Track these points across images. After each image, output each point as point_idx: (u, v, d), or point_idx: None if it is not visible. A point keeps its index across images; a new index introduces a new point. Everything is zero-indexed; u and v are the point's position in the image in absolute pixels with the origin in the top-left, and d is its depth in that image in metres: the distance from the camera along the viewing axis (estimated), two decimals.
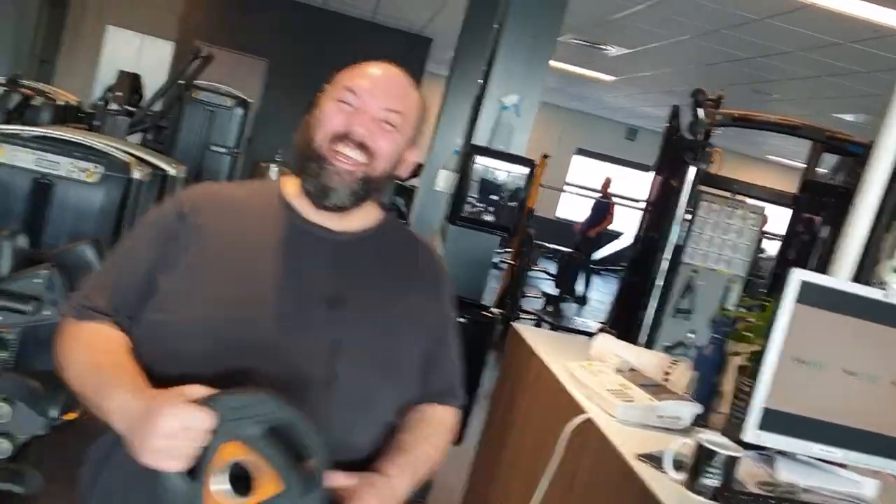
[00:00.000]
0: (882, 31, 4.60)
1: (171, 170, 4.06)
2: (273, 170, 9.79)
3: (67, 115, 6.90)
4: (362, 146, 1.15)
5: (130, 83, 7.00)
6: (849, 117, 7.72)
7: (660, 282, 4.23)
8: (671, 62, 7.31)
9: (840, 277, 1.79)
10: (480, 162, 3.25)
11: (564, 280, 8.95)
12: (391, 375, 1.17)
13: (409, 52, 10.26)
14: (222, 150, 7.38)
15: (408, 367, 1.19)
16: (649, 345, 4.10)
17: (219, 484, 0.94)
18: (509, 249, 7.46)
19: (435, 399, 1.25)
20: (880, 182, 1.87)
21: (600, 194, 10.82)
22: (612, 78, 9.10)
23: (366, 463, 1.10)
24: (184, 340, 1.08)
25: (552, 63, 8.64)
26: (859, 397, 1.41)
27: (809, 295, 1.36)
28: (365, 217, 1.23)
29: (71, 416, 2.77)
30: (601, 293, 10.32)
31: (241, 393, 0.96)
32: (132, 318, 1.13)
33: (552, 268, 9.89)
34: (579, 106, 13.47)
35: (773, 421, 1.39)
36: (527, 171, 3.28)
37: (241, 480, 0.95)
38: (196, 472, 0.93)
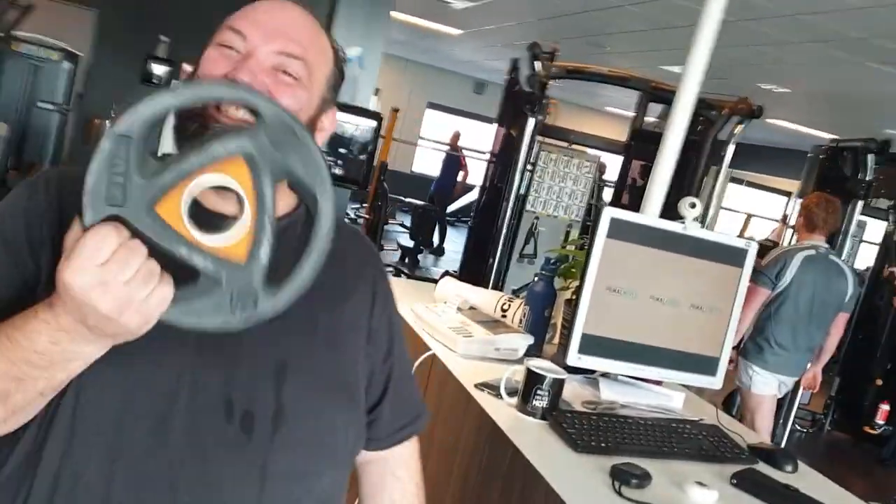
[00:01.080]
0: None
1: None
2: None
3: None
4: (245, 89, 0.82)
5: None
6: (675, 69, 8.24)
7: (505, 229, 4.42)
8: (513, 16, 7.49)
9: (649, 214, 1.96)
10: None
11: (420, 232, 9.12)
12: (350, 397, 0.96)
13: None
14: (50, 106, 6.90)
15: (357, 389, 0.97)
16: (498, 289, 4.29)
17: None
18: (365, 204, 7.48)
19: (405, 435, 1.10)
20: (682, 125, 2.05)
21: (449, 148, 10.99)
22: (459, 31, 9.21)
23: None
24: (89, 384, 0.78)
25: (398, 16, 8.59)
26: (664, 320, 1.58)
27: (619, 230, 1.50)
28: (281, 198, 0.84)
29: None
30: (457, 244, 10.57)
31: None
32: None
33: (409, 221, 10.02)
34: (429, 60, 13.53)
35: (592, 345, 1.53)
36: (374, 124, 3.31)
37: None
38: None
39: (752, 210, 11.58)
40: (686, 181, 5.00)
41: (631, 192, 5.34)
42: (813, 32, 5.48)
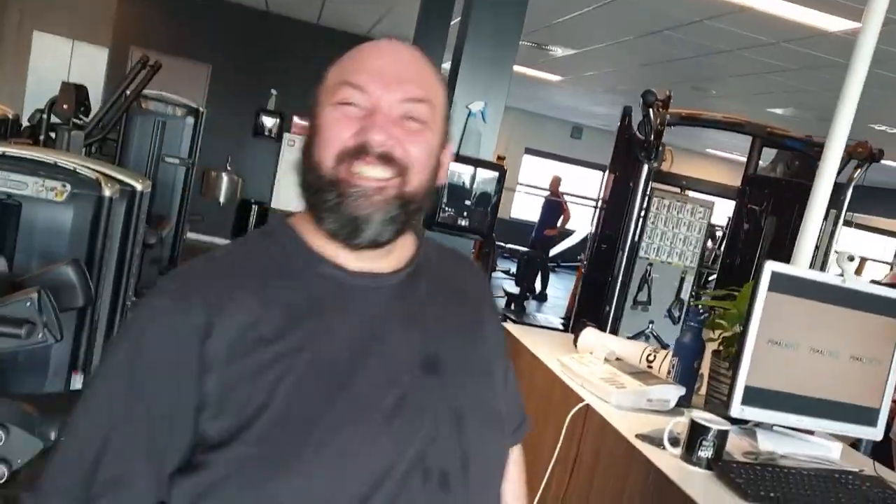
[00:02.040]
0: (809, 32, 4.90)
1: (137, 185, 4.08)
2: (224, 178, 9.77)
3: (6, 129, 6.77)
4: (386, 158, 0.85)
5: (76, 94, 6.90)
6: (779, 111, 8.10)
7: (621, 277, 4.43)
8: (614, 62, 7.56)
9: (801, 266, 1.98)
10: (453, 168, 3.38)
11: (524, 278, 9.17)
12: (503, 429, 0.98)
13: None
14: (175, 160, 7.32)
15: (505, 413, 0.99)
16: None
17: None
18: (473, 251, 7.61)
19: (515, 440, 1.11)
20: (830, 180, 2.06)
21: (549, 193, 11.03)
22: (559, 78, 9.34)
23: None
24: (283, 492, 0.79)
25: None
26: (825, 372, 1.59)
27: (779, 283, 1.53)
28: (404, 246, 0.95)
29: None
30: (556, 289, 10.57)
31: None
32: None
33: (510, 267, 10.08)
34: (527, 106, 13.71)
35: (754, 396, 1.56)
36: (496, 174, 3.43)
37: None
38: None
39: (863, 253, 11.14)
40: (802, 227, 4.91)
41: (743, 239, 5.27)
42: None
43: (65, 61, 10.59)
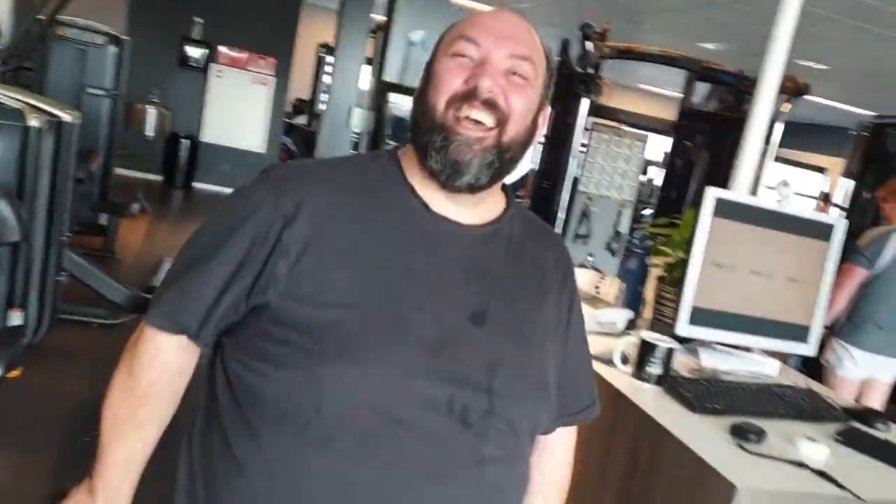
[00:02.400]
0: None
1: (66, 116, 3.92)
2: (150, 111, 9.43)
3: None
4: (492, 105, 0.93)
5: None
6: (710, 46, 8.24)
7: (561, 212, 4.52)
8: None
9: (740, 193, 2.07)
10: (394, 100, 3.37)
11: None
12: (547, 394, 1.04)
13: None
14: (100, 92, 7.03)
15: (551, 383, 1.05)
16: None
17: None
18: None
19: (572, 420, 1.15)
20: (766, 112, 2.14)
21: None
22: (493, 8, 9.26)
23: (523, 486, 1.04)
24: (315, 375, 0.90)
25: None
26: (763, 292, 1.70)
27: (722, 208, 1.61)
28: (494, 202, 1.04)
29: (13, 373, 2.76)
30: None
31: None
32: (229, 330, 0.98)
33: None
34: None
35: (700, 316, 1.66)
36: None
37: None
38: None
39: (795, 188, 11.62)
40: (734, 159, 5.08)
41: (679, 171, 5.43)
42: (851, 8, 5.50)
43: None
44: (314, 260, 0.92)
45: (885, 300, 3.42)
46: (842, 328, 3.50)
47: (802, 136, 13.18)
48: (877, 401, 3.50)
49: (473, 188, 0.96)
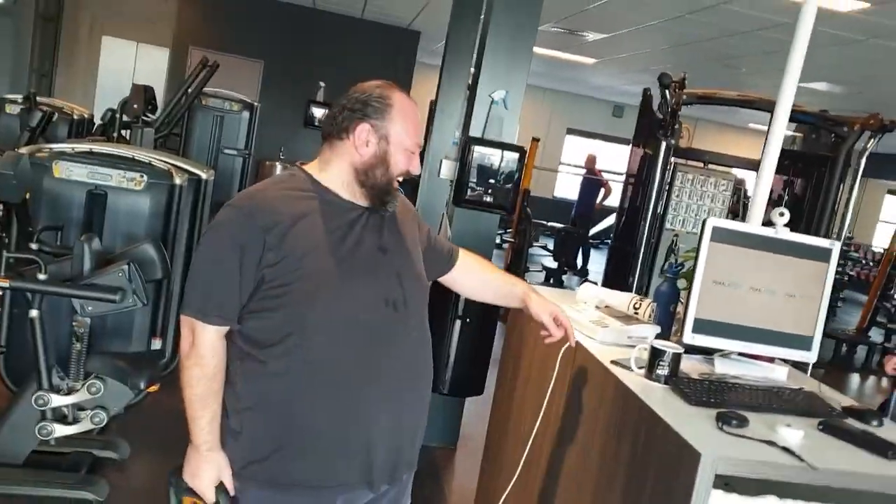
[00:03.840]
0: (821, 12, 5.10)
1: (203, 174, 4.57)
2: (277, 166, 10.31)
3: (82, 128, 7.38)
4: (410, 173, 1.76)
5: (144, 94, 7.47)
6: (815, 85, 8.24)
7: (644, 247, 4.76)
8: (645, 44, 7.82)
9: (754, 222, 2.33)
10: (477, 151, 3.78)
11: (563, 254, 9.50)
12: (423, 279, 1.84)
13: (399, 45, 10.77)
14: (233, 152, 7.86)
15: (423, 267, 1.85)
16: None
17: None
18: (510, 230, 8.00)
19: (455, 256, 2.04)
20: (778, 142, 2.40)
21: (586, 171, 11.22)
22: (593, 60, 9.61)
23: (430, 338, 1.81)
24: (309, 309, 1.59)
25: (537, 50, 9.15)
26: (763, 306, 1.95)
27: (721, 235, 1.90)
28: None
29: (153, 388, 3.30)
30: (600, 265, 10.86)
31: None
32: (244, 308, 1.61)
33: (552, 244, 10.40)
34: (566, 87, 13.97)
35: (703, 326, 1.93)
36: (517, 155, 3.81)
37: None
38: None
39: None
40: (822, 195, 5.18)
41: (774, 205, 5.53)
42: None
43: (130, 63, 11.31)
44: (288, 245, 1.58)
45: None
46: None
47: None
48: None
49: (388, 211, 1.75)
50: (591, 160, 11.00)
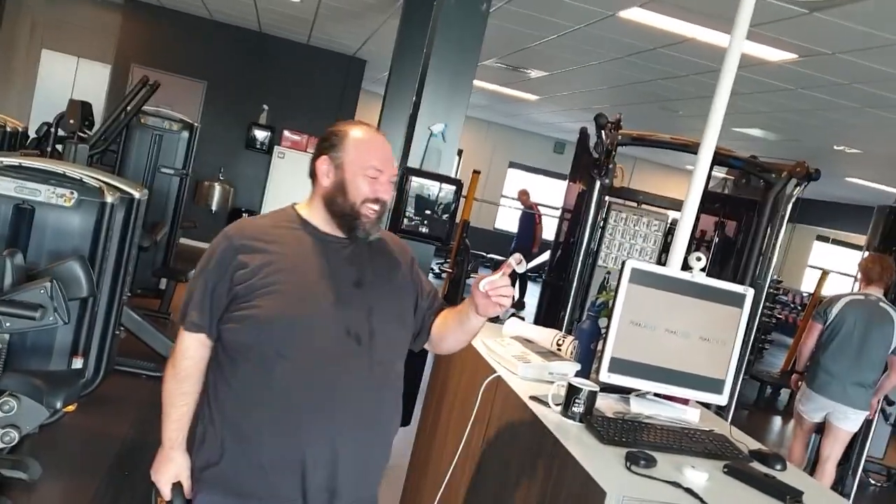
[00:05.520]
0: (750, 61, 5.34)
1: (136, 193, 4.49)
2: (216, 188, 10.19)
3: (15, 141, 7.18)
4: (382, 202, 1.79)
5: (82, 110, 7.31)
6: (750, 131, 8.57)
7: (576, 283, 4.84)
8: (586, 83, 8.02)
9: (674, 265, 2.41)
10: (415, 181, 3.81)
11: None
12: (405, 325, 1.88)
13: (345, 72, 10.78)
14: (171, 171, 7.73)
15: (410, 317, 1.90)
16: None
17: None
18: (448, 259, 8.04)
19: (435, 309, 1.99)
20: (699, 186, 2.49)
21: (522, 206, 11.38)
22: (536, 97, 9.80)
23: (399, 383, 1.85)
24: (267, 326, 1.69)
25: (479, 83, 9.26)
26: (678, 348, 2.01)
27: (639, 277, 1.96)
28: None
29: (70, 408, 3.21)
30: (533, 296, 10.99)
31: None
32: (220, 320, 1.74)
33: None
34: (510, 122, 14.18)
35: (619, 366, 1.98)
36: (454, 187, 3.85)
37: None
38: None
39: (835, 266, 11.66)
40: (751, 239, 5.35)
41: (699, 247, 5.70)
42: (874, 101, 5.79)
43: (69, 78, 11.08)
44: (255, 266, 1.71)
45: (833, 350, 4.41)
46: (807, 375, 4.54)
47: (846, 216, 13.22)
48: (834, 449, 4.33)
49: (365, 239, 1.82)
50: (524, 194, 11.21)
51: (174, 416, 1.79)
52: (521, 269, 1.74)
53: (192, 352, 1.78)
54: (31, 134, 7.46)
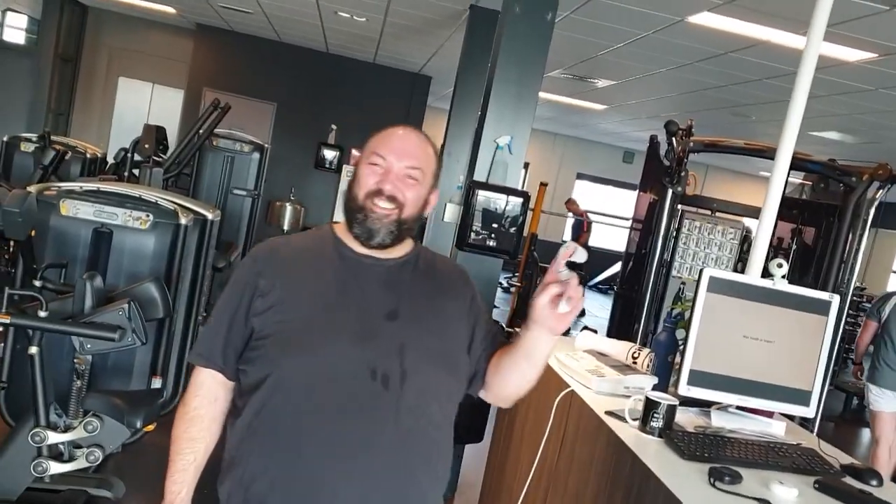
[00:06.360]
0: (826, 62, 5.14)
1: (209, 214, 4.60)
2: (287, 207, 10.38)
3: (94, 166, 7.47)
4: (392, 198, 1.48)
5: (156, 134, 7.55)
6: (826, 134, 8.26)
7: (649, 294, 4.73)
8: (654, 91, 7.87)
9: (754, 272, 2.31)
10: (481, 195, 3.78)
11: None
12: (449, 366, 1.53)
13: (410, 89, 10.89)
14: (243, 192, 7.90)
15: (461, 357, 1.55)
16: None
17: None
18: (517, 273, 7.98)
19: (495, 346, 1.63)
20: (778, 190, 2.39)
21: (573, 215, 11.40)
22: (603, 106, 9.68)
23: (440, 433, 1.50)
24: (286, 364, 1.43)
25: (545, 95, 9.23)
26: (760, 359, 1.92)
27: (718, 286, 1.88)
28: (401, 247, 1.56)
29: (149, 427, 3.28)
30: (605, 309, 10.81)
31: None
32: (240, 356, 1.50)
33: None
34: (576, 132, 14.05)
35: (699, 378, 1.90)
36: (521, 200, 3.81)
37: None
38: None
39: None
40: (832, 245, 5.14)
41: (776, 254, 5.50)
42: None
43: (145, 103, 11.51)
44: (277, 294, 1.48)
45: (889, 345, 4.71)
46: (868, 372, 4.82)
47: None
48: None
49: (382, 246, 1.52)
50: (572, 203, 11.26)
51: (178, 465, 1.50)
52: (581, 259, 1.46)
53: (203, 389, 1.53)
54: (110, 160, 7.75)
